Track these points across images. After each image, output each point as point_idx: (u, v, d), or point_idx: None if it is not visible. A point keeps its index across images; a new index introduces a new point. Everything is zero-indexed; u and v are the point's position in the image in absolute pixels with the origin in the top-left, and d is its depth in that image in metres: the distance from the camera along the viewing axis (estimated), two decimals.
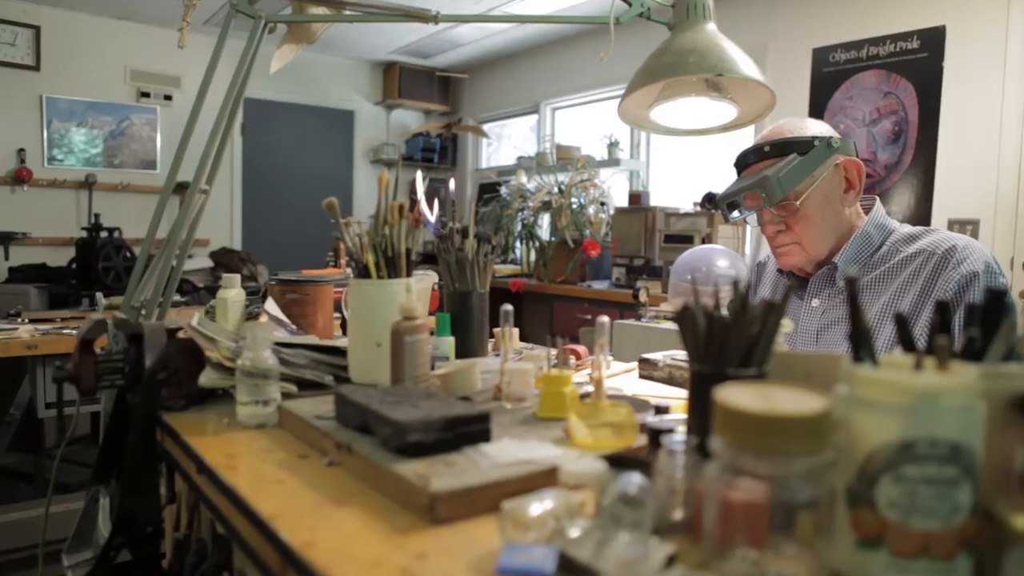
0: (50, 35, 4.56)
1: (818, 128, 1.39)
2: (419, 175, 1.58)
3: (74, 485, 2.79)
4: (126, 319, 1.02)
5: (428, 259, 5.52)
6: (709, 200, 3.91)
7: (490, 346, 1.52)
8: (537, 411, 0.90)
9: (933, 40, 3.20)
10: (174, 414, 1.01)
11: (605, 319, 0.90)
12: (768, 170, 1.32)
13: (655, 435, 0.70)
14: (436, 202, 1.49)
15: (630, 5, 1.32)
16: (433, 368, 1.11)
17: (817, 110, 3.61)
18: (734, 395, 0.52)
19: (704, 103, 1.27)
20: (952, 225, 3.16)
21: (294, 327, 1.27)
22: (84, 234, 4.23)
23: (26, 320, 2.61)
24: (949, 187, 3.18)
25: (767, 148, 1.36)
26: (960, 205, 3.15)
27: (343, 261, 3.61)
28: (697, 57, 1.18)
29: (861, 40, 3.44)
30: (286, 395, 1.00)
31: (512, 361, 1.06)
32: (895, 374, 0.50)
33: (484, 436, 0.77)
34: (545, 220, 4.38)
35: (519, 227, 4.40)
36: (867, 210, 1.44)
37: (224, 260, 5.11)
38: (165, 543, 1.10)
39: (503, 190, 4.59)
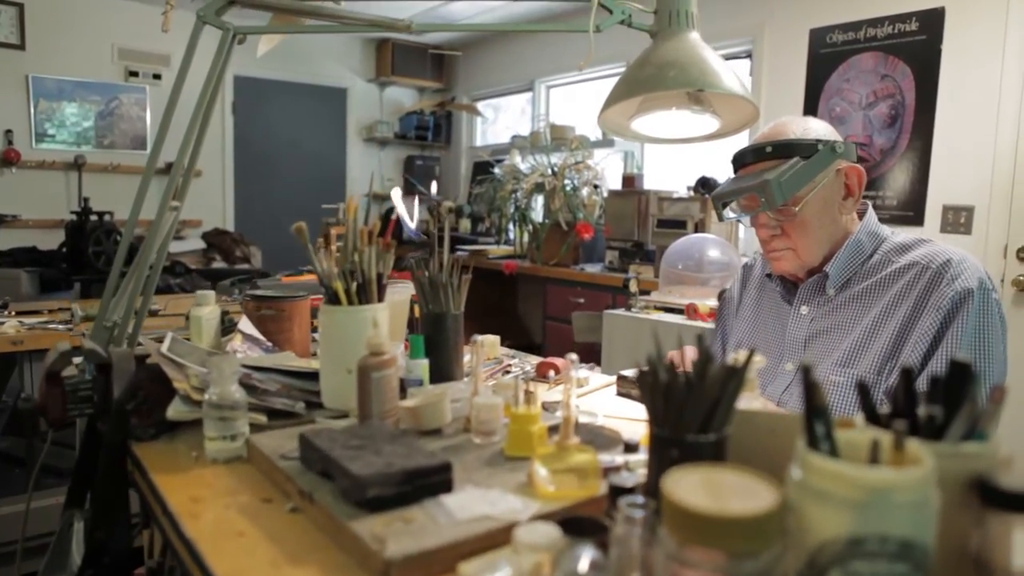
0: (34, 13, 4.48)
1: (821, 130, 1.36)
2: (396, 189, 1.55)
3: (67, 470, 2.79)
4: (94, 348, 1.00)
5: (423, 246, 5.49)
6: (703, 184, 3.87)
7: (467, 360, 1.51)
8: (505, 449, 0.89)
9: (932, 22, 3.14)
10: (143, 445, 1.00)
11: (573, 357, 0.88)
12: (769, 173, 1.29)
13: (615, 492, 0.69)
14: (416, 208, 1.47)
15: (611, 12, 1.29)
16: (404, 393, 1.11)
17: (813, 92, 3.56)
18: (682, 486, 0.50)
19: (686, 115, 1.24)
20: (947, 211, 3.13)
21: (269, 344, 1.26)
22: (74, 218, 4.21)
23: (12, 313, 2.60)
24: (945, 172, 3.14)
25: (769, 149, 1.33)
26: (955, 191, 3.11)
27: (333, 248, 3.59)
28: (678, 71, 1.15)
29: (859, 21, 3.37)
30: (256, 426, 0.99)
31: (484, 388, 1.05)
32: (847, 467, 0.49)
33: (446, 487, 0.76)
34: (539, 202, 4.35)
35: (512, 209, 4.37)
36: (860, 214, 1.42)
37: (217, 241, 5.08)
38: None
39: (496, 170, 4.54)
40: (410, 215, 1.43)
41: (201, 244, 4.93)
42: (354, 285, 1.02)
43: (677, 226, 3.52)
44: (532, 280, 4.40)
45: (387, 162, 5.96)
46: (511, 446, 0.88)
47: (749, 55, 3.90)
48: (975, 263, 1.28)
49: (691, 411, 0.63)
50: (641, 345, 2.73)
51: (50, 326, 2.36)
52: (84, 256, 4.18)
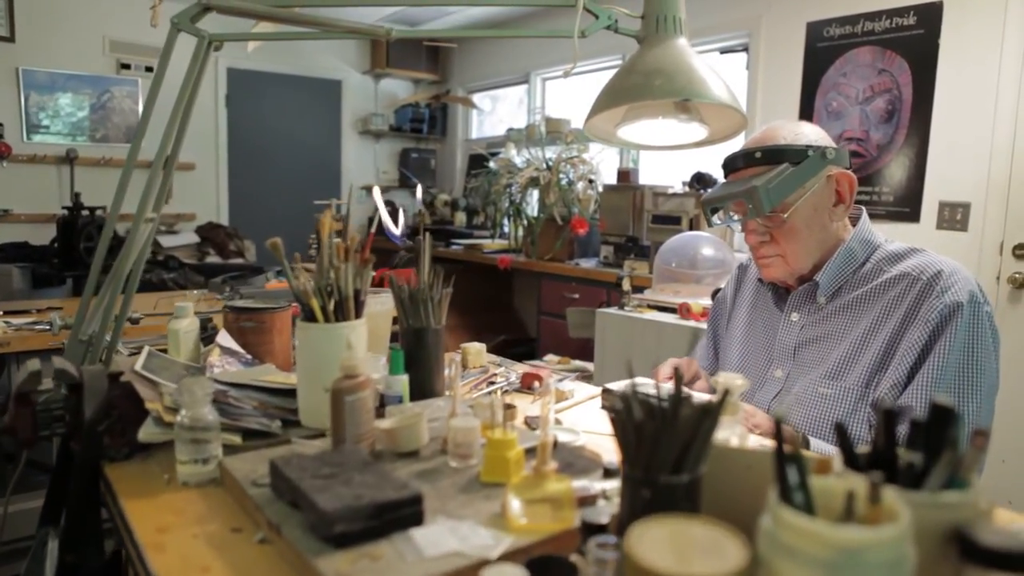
0: (24, 5, 4.42)
1: (813, 135, 1.34)
2: (376, 190, 1.53)
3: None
4: (64, 368, 0.98)
5: (417, 232, 5.46)
6: (699, 180, 3.84)
7: (451, 371, 1.49)
8: (481, 474, 0.87)
9: (930, 16, 3.10)
10: (115, 466, 0.98)
11: (552, 380, 0.86)
12: (758, 179, 1.27)
13: (587, 529, 0.67)
14: (400, 215, 1.45)
15: (596, 17, 1.26)
16: (384, 409, 1.09)
17: (810, 86, 3.52)
18: (646, 543, 0.48)
19: (673, 124, 1.22)
20: (944, 208, 3.11)
21: (249, 357, 1.24)
22: (65, 213, 4.17)
23: (0, 313, 2.57)
24: (941, 169, 3.11)
25: (758, 154, 1.31)
26: (952, 187, 3.09)
27: (325, 242, 3.57)
28: (664, 79, 1.12)
29: (856, 15, 3.33)
30: (230, 447, 0.97)
31: (462, 407, 1.03)
32: (818, 525, 0.47)
33: (416, 519, 0.74)
34: (534, 196, 4.31)
35: (507, 204, 4.33)
36: (853, 220, 1.40)
37: (210, 235, 5.05)
38: None
39: (491, 164, 4.51)
40: (395, 219, 1.40)
41: (195, 238, 4.90)
42: (332, 304, 1.00)
43: (672, 222, 3.49)
44: (527, 275, 4.37)
45: (382, 155, 5.92)
46: (487, 472, 0.86)
47: (746, 48, 3.86)
48: (967, 276, 1.26)
49: (663, 451, 0.61)
50: (634, 344, 2.71)
51: (38, 327, 2.34)
52: (76, 252, 4.15)
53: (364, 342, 1.05)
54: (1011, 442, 2.88)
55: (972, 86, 3.00)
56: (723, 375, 0.87)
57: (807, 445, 1.22)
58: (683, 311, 2.58)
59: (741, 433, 0.87)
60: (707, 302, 2.59)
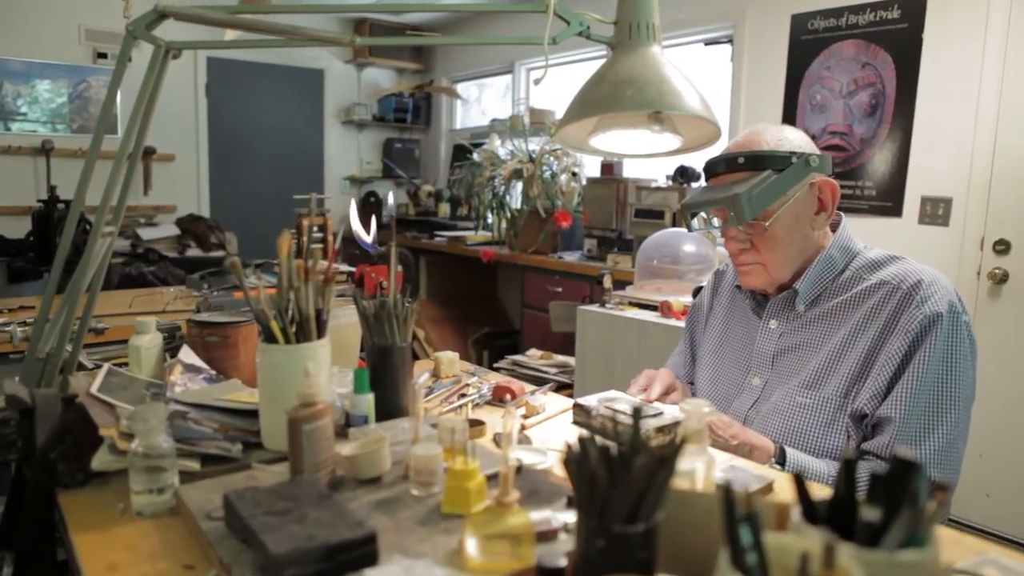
0: None
1: (796, 140, 1.32)
2: (353, 202, 1.50)
3: None
4: (14, 394, 0.95)
5: (401, 223, 5.42)
6: (682, 174, 3.81)
7: (424, 379, 1.47)
8: (441, 505, 0.85)
9: (913, 10, 3.08)
10: (70, 493, 0.95)
11: (512, 407, 0.84)
12: (740, 187, 1.25)
13: (543, 574, 0.66)
14: (373, 222, 1.42)
15: (568, 23, 1.23)
16: (349, 426, 1.06)
17: (794, 79, 3.50)
18: None
19: (645, 134, 1.19)
20: (925, 203, 3.10)
21: (213, 373, 1.21)
22: (41, 206, 4.10)
23: None
24: (924, 164, 3.11)
25: (741, 160, 1.29)
26: (934, 182, 3.08)
27: (305, 240, 3.52)
28: (635, 90, 1.10)
29: (840, 8, 3.31)
30: (187, 474, 0.94)
31: (426, 429, 1.01)
32: None
33: (370, 560, 0.72)
34: (517, 188, 4.28)
35: (490, 196, 4.30)
36: (833, 226, 1.39)
37: (191, 228, 4.99)
38: None
39: (475, 156, 4.47)
40: (366, 228, 1.38)
41: (175, 230, 4.83)
42: (293, 327, 0.98)
43: (655, 216, 3.47)
44: (511, 267, 4.35)
45: (365, 145, 5.86)
46: (448, 502, 0.84)
47: (730, 40, 3.83)
48: (946, 285, 1.26)
49: (617, 501, 0.59)
50: (615, 342, 2.69)
51: (7, 328, 2.30)
52: (52, 246, 4.09)
53: (327, 363, 1.03)
54: (989, 436, 2.89)
55: (955, 81, 2.99)
56: (689, 402, 0.85)
57: (783, 456, 1.21)
58: (664, 309, 2.57)
59: (708, 461, 0.86)
60: (688, 299, 2.58)
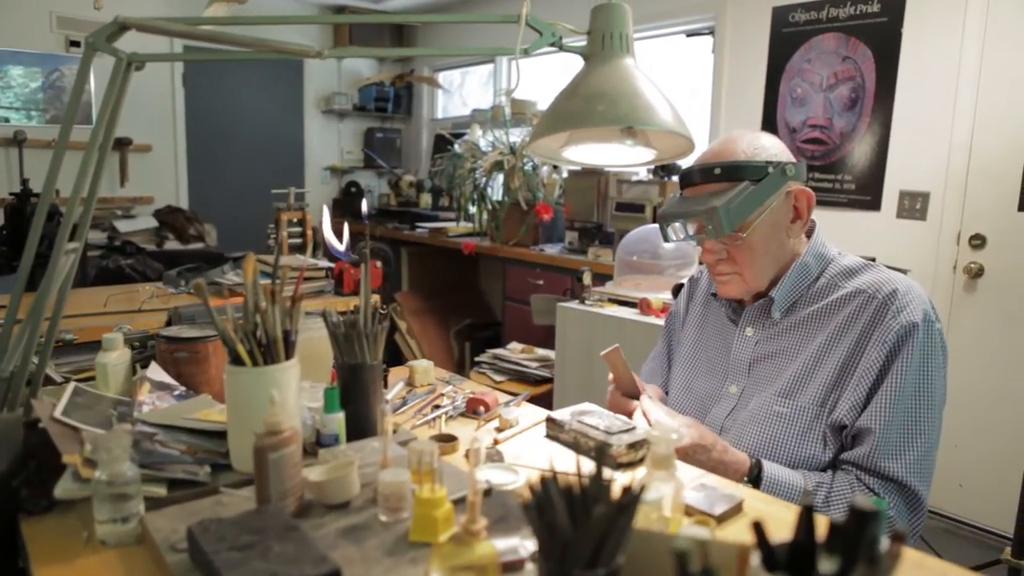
0: None
1: (772, 148, 1.32)
2: (325, 208, 1.48)
3: None
4: None
5: (383, 213, 5.39)
6: (663, 167, 3.81)
7: (399, 388, 1.46)
8: (409, 533, 0.84)
9: (893, 4, 3.08)
10: (33, 521, 0.94)
11: (479, 444, 0.84)
12: (717, 199, 1.25)
13: None
14: (345, 229, 1.40)
15: (540, 33, 1.21)
16: (320, 444, 1.06)
17: (775, 72, 3.50)
18: None
19: (618, 147, 1.18)
20: (904, 197, 3.12)
21: (183, 390, 1.20)
22: (13, 199, 4.03)
23: None
24: (902, 158, 3.12)
25: (718, 171, 1.29)
26: (912, 176, 3.10)
27: (284, 235, 3.49)
28: (607, 105, 1.09)
29: (821, 1, 3.30)
30: (154, 500, 0.93)
31: (395, 450, 1.00)
32: None
33: None
34: (498, 180, 4.26)
35: (471, 188, 4.28)
36: (808, 232, 1.39)
37: (169, 219, 4.93)
38: None
39: (456, 147, 4.44)
40: (338, 238, 1.36)
41: (153, 223, 4.77)
42: (259, 350, 0.96)
43: (636, 210, 3.47)
44: (492, 259, 4.34)
45: (346, 134, 5.80)
46: (415, 530, 0.84)
47: (712, 31, 3.82)
48: (920, 293, 1.27)
49: (577, 547, 0.59)
50: (595, 339, 2.70)
51: None
52: (26, 239, 4.02)
53: (295, 384, 1.02)
54: (963, 428, 2.94)
55: (933, 76, 3.00)
56: (658, 428, 0.85)
57: (760, 470, 1.21)
58: (643, 306, 2.57)
59: (676, 487, 0.86)
60: (668, 296, 2.58)
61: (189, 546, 0.79)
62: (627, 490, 0.60)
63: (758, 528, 0.57)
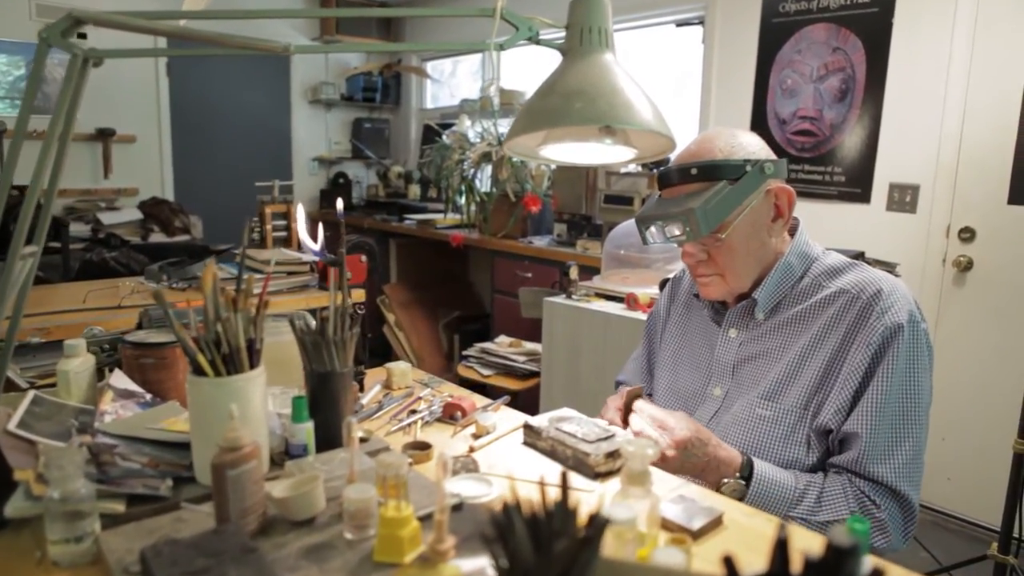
0: None
1: (751, 145, 1.28)
2: (300, 207, 1.44)
3: None
4: None
5: (371, 204, 5.34)
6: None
7: (375, 392, 1.43)
8: (374, 553, 0.81)
9: None
10: None
11: (448, 459, 0.80)
12: (694, 200, 1.22)
13: None
14: (320, 229, 1.36)
15: (517, 28, 1.17)
16: (289, 455, 1.02)
17: (765, 62, 3.46)
18: None
19: (597, 146, 1.15)
20: (893, 189, 3.09)
21: (148, 397, 1.16)
22: None
23: None
24: (892, 150, 3.10)
25: (694, 171, 1.26)
26: (902, 169, 3.07)
27: (268, 228, 3.44)
28: (584, 103, 1.05)
29: None
30: (111, 517, 0.90)
31: (366, 462, 0.97)
32: None
33: None
34: (486, 172, 4.22)
35: (459, 180, 4.23)
36: (791, 231, 1.36)
37: (154, 211, 4.86)
38: None
39: (444, 138, 4.39)
40: (312, 237, 1.32)
41: (137, 215, 4.71)
42: (221, 360, 0.93)
43: (624, 202, 3.44)
44: (481, 252, 4.30)
45: (334, 125, 5.74)
46: (380, 550, 0.81)
47: (702, 21, 3.77)
48: (905, 293, 1.24)
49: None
50: (581, 334, 2.67)
51: None
52: (5, 232, 3.96)
53: (260, 393, 0.98)
54: (951, 421, 2.93)
55: (924, 67, 2.96)
56: (633, 445, 0.82)
57: (751, 468, 1.19)
58: (630, 302, 2.54)
59: (652, 503, 0.83)
60: (655, 291, 2.55)
61: (142, 571, 0.76)
62: (593, 519, 0.57)
63: (728, 563, 0.54)
